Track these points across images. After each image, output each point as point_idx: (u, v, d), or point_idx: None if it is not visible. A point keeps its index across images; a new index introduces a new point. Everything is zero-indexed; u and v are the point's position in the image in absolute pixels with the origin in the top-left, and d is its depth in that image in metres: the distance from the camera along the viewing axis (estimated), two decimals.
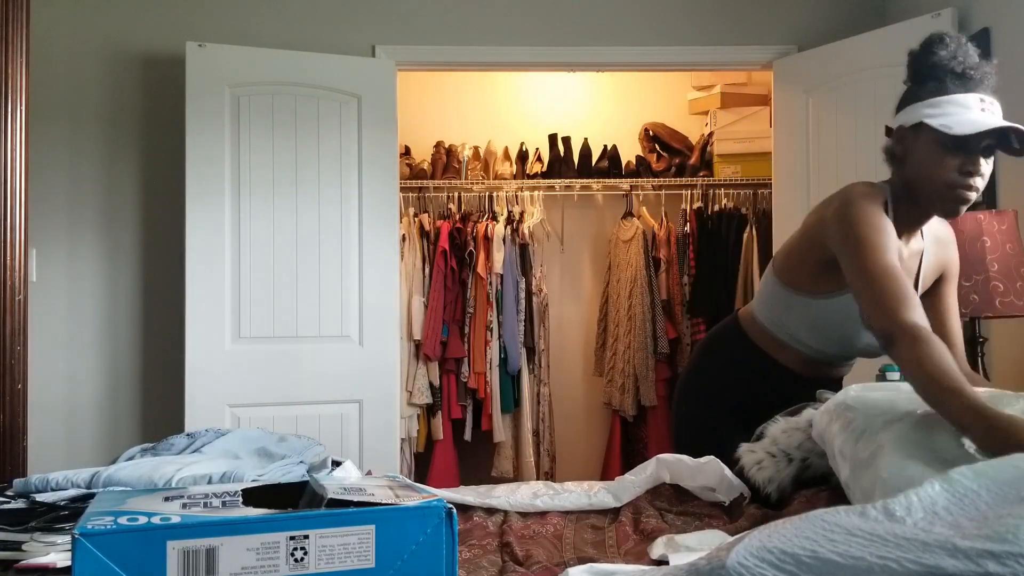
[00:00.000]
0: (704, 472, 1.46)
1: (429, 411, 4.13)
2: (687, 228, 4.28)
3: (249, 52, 3.33)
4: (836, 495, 1.31)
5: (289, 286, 3.32)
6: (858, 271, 1.51)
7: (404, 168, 4.21)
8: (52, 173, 3.35)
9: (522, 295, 4.21)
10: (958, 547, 0.66)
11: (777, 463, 1.44)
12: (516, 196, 4.39)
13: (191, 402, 3.18)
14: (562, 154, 4.44)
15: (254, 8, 3.49)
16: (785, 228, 3.29)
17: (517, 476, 4.11)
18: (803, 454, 1.45)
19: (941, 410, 1.27)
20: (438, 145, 4.43)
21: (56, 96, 3.36)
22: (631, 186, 4.42)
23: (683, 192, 4.35)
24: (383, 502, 0.86)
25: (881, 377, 1.89)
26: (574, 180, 4.39)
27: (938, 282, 1.80)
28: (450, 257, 4.14)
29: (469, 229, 4.21)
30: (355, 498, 0.86)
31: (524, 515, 1.40)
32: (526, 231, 4.28)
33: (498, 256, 4.14)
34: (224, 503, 0.90)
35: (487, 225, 4.21)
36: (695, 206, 4.30)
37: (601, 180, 4.42)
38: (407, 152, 4.40)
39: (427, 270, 4.15)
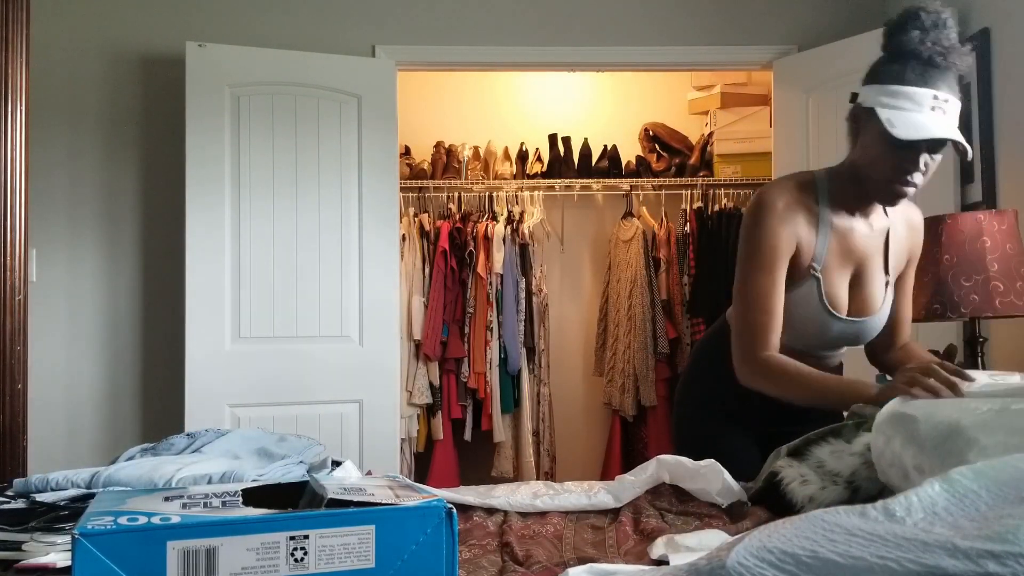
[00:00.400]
0: (704, 475, 1.46)
1: (429, 411, 4.13)
2: (687, 228, 4.28)
3: (249, 52, 3.33)
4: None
5: (289, 286, 3.32)
6: (736, 290, 1.65)
7: (404, 168, 4.21)
8: (52, 173, 3.35)
9: (522, 295, 4.21)
10: (958, 547, 0.66)
11: (823, 483, 1.34)
12: (516, 196, 4.39)
13: (191, 402, 3.18)
14: (562, 154, 4.44)
15: (254, 8, 3.49)
16: None
17: (517, 476, 4.11)
18: (852, 478, 1.33)
19: (828, 402, 1.53)
20: (438, 145, 4.43)
21: (56, 96, 3.36)
22: (631, 186, 4.42)
23: (683, 192, 4.35)
24: (383, 502, 0.86)
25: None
26: (574, 180, 4.40)
27: (905, 266, 1.80)
28: (450, 257, 4.14)
29: (469, 229, 4.21)
30: (355, 498, 0.86)
31: (524, 515, 1.40)
32: (526, 231, 4.28)
33: (498, 256, 4.14)
34: (224, 503, 0.90)
35: (487, 225, 4.21)
36: (695, 206, 4.30)
37: (601, 180, 4.42)
38: (407, 152, 4.40)
39: (427, 270, 4.15)
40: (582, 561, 1.14)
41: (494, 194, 4.38)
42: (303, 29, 3.50)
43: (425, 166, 4.39)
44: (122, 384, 3.41)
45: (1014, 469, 0.83)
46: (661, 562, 1.12)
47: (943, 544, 0.67)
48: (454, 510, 0.86)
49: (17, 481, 1.25)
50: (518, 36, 3.59)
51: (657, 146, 4.48)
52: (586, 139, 4.46)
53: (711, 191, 4.32)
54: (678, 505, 1.43)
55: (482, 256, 4.15)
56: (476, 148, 4.44)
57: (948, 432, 1.10)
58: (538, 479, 3.74)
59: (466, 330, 4.13)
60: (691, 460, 1.50)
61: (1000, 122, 2.78)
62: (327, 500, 0.87)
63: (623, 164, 4.47)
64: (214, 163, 3.26)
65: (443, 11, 3.57)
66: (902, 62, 1.53)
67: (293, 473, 1.23)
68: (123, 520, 0.80)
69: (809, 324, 1.67)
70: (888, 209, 1.71)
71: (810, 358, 1.74)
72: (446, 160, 4.39)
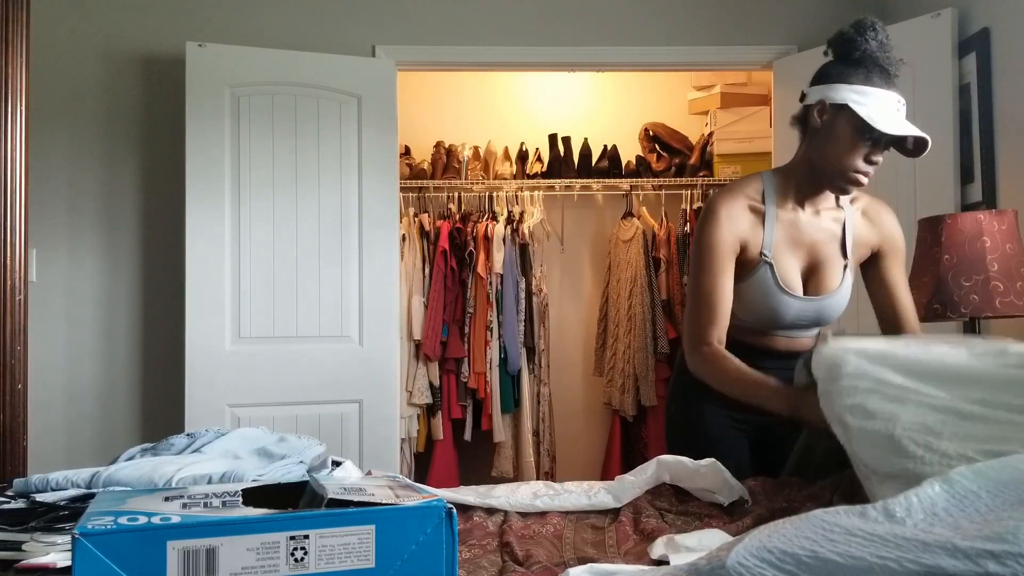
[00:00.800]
0: (704, 475, 1.46)
1: (429, 411, 4.13)
2: (687, 228, 4.27)
3: (249, 52, 3.33)
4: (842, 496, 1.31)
5: (289, 286, 3.32)
6: (690, 288, 1.84)
7: (404, 168, 4.21)
8: (52, 173, 3.35)
9: (522, 295, 4.21)
10: (958, 547, 0.67)
11: None
12: (516, 196, 4.39)
13: (191, 402, 3.18)
14: (562, 154, 4.43)
15: (254, 8, 3.49)
16: None
17: (517, 476, 4.11)
18: None
19: (754, 400, 1.66)
20: (438, 145, 4.43)
21: (56, 96, 3.36)
22: (631, 186, 4.42)
23: (683, 192, 4.36)
24: (383, 502, 0.86)
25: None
26: (574, 180, 4.40)
27: (878, 258, 1.89)
28: (450, 257, 4.14)
29: (469, 229, 4.21)
30: (355, 498, 0.86)
31: (524, 515, 1.40)
32: (526, 231, 4.28)
33: (498, 256, 4.14)
34: (224, 503, 0.90)
35: (487, 225, 4.21)
36: (695, 206, 4.30)
37: (601, 180, 4.42)
38: (407, 152, 4.40)
39: (427, 270, 4.15)
40: (582, 561, 1.14)
41: (494, 194, 4.38)
42: (303, 29, 3.49)
43: (425, 166, 4.39)
44: (122, 384, 3.41)
45: (1014, 470, 0.83)
46: (661, 562, 1.12)
47: (943, 544, 0.67)
48: (454, 510, 0.86)
49: (17, 481, 1.25)
50: (518, 36, 3.59)
51: (657, 146, 4.48)
52: (586, 139, 4.46)
53: (711, 191, 4.31)
54: (678, 505, 1.44)
55: (482, 256, 4.15)
56: (476, 148, 4.44)
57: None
58: (538, 479, 3.74)
59: (466, 330, 4.13)
60: (691, 460, 1.50)
61: (1000, 122, 2.78)
62: (327, 500, 0.87)
63: (623, 164, 4.46)
64: (214, 163, 3.26)
65: (443, 11, 3.57)
66: (867, 67, 1.71)
67: (293, 473, 1.23)
68: (123, 520, 0.80)
69: (767, 306, 1.80)
70: (844, 202, 1.86)
71: (780, 339, 1.85)
72: (446, 160, 4.39)
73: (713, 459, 1.49)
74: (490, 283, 4.15)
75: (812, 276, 1.83)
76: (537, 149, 4.50)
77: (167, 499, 0.91)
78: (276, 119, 3.33)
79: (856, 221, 1.87)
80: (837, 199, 1.86)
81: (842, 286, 1.85)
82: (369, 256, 3.41)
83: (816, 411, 1.40)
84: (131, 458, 1.32)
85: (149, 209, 3.44)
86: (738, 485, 1.44)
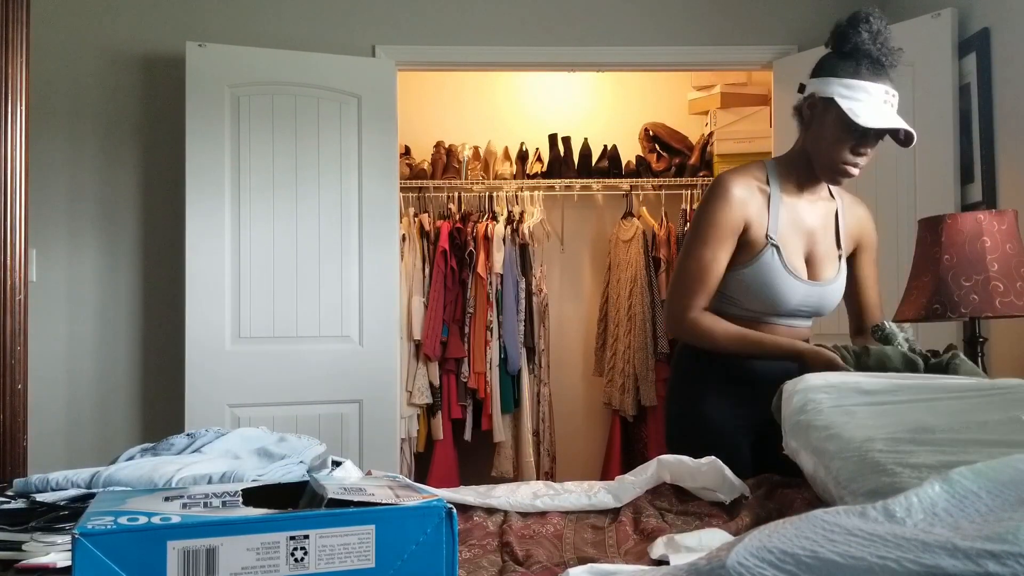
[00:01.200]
0: (705, 473, 1.46)
1: (429, 411, 4.13)
2: (687, 228, 4.27)
3: (249, 52, 3.33)
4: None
5: (289, 286, 3.32)
6: (683, 251, 1.86)
7: (404, 168, 4.21)
8: (52, 173, 3.35)
9: (522, 295, 4.21)
10: (958, 547, 0.67)
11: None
12: (516, 196, 4.40)
13: (191, 402, 3.18)
14: (562, 154, 4.43)
15: (254, 8, 3.49)
16: None
17: (517, 476, 4.11)
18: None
19: (760, 355, 1.76)
20: (438, 145, 4.43)
21: (56, 96, 3.36)
22: (631, 186, 4.42)
23: (683, 192, 4.36)
24: (383, 502, 0.86)
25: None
26: (574, 180, 4.40)
27: (857, 253, 1.98)
28: (450, 257, 4.14)
29: (469, 229, 4.21)
30: (355, 498, 0.86)
31: (524, 515, 1.40)
32: (526, 231, 4.28)
33: (498, 256, 4.14)
34: (224, 503, 0.90)
35: (487, 225, 4.21)
36: (695, 206, 4.29)
37: (601, 180, 4.42)
38: (407, 152, 4.40)
39: (427, 270, 4.15)
40: (582, 561, 1.14)
41: (494, 194, 4.38)
42: (303, 29, 3.49)
43: (425, 166, 4.39)
44: (122, 384, 3.41)
45: (1014, 470, 0.83)
46: (661, 562, 1.12)
47: (943, 544, 0.67)
48: (454, 510, 0.86)
49: (17, 481, 1.25)
50: (518, 36, 3.59)
51: (657, 146, 4.48)
52: (586, 139, 4.46)
53: None
54: (678, 505, 1.44)
55: (482, 256, 4.15)
56: (476, 148, 4.44)
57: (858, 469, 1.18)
58: (538, 479, 3.74)
59: (466, 330, 4.13)
60: (691, 459, 1.50)
61: (1000, 122, 2.78)
62: (327, 500, 0.87)
63: (623, 164, 4.46)
64: (214, 163, 3.26)
65: (443, 11, 3.57)
66: (856, 60, 1.73)
67: (293, 473, 1.23)
68: (123, 520, 0.80)
69: (773, 289, 1.81)
70: (835, 193, 1.93)
71: (780, 328, 1.86)
72: (446, 160, 4.39)
73: (713, 457, 1.49)
74: (490, 283, 4.15)
75: (810, 263, 1.87)
76: (537, 149, 4.50)
77: (167, 499, 0.91)
78: (276, 119, 3.33)
79: (846, 214, 1.93)
80: (830, 190, 1.92)
81: (839, 275, 1.90)
82: (369, 256, 3.41)
83: (823, 354, 1.61)
84: (131, 458, 1.32)
85: (149, 209, 3.44)
86: (739, 483, 1.44)
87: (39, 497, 1.19)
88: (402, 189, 3.99)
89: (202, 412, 3.15)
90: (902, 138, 1.76)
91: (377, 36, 3.54)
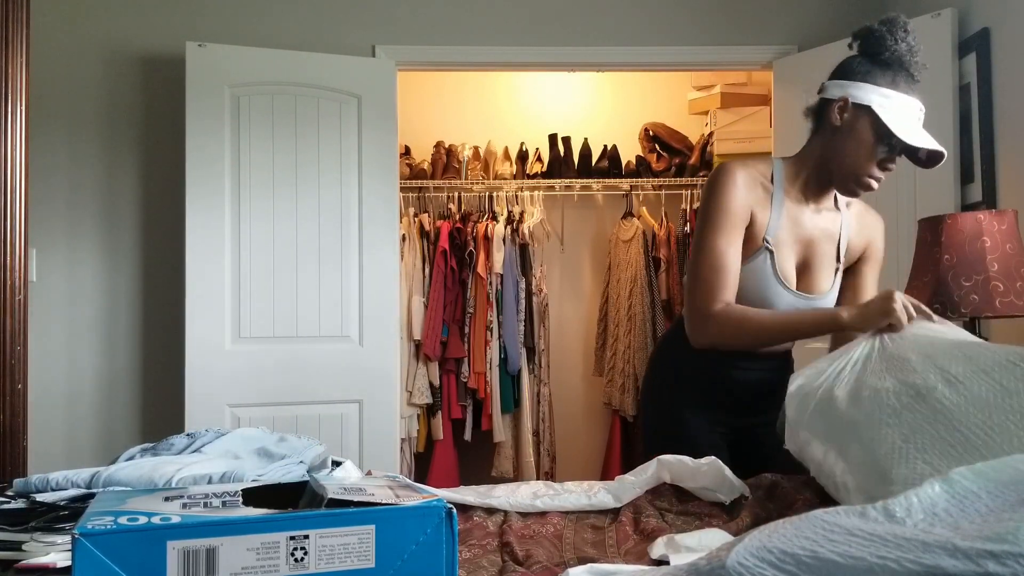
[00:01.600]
0: (705, 473, 1.46)
1: (429, 411, 4.13)
2: (687, 228, 4.28)
3: (249, 52, 3.33)
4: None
5: (289, 286, 3.32)
6: (695, 246, 1.71)
7: (404, 168, 4.21)
8: (52, 173, 3.35)
9: (522, 295, 4.21)
10: (958, 547, 0.67)
11: None
12: (516, 196, 4.40)
13: (191, 402, 3.18)
14: (562, 154, 4.44)
15: (254, 8, 3.49)
16: None
17: (517, 476, 4.11)
18: None
19: (802, 334, 1.65)
20: (438, 145, 4.43)
21: (56, 96, 3.36)
22: (631, 186, 4.42)
23: (683, 192, 4.36)
24: (383, 502, 0.86)
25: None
26: (574, 180, 4.40)
27: (859, 263, 1.87)
28: (450, 257, 4.14)
29: (469, 229, 4.21)
30: (355, 498, 0.86)
31: (524, 515, 1.40)
32: (526, 231, 4.28)
33: (498, 256, 4.14)
34: (224, 503, 0.90)
35: (487, 225, 4.21)
36: (695, 206, 4.30)
37: (601, 180, 4.42)
38: (407, 152, 4.40)
39: (427, 270, 4.15)
40: (582, 561, 1.14)
41: (494, 194, 4.38)
42: (303, 29, 3.49)
43: (425, 166, 4.39)
44: (122, 384, 3.41)
45: (1014, 471, 0.83)
46: (661, 562, 1.12)
47: (943, 544, 0.67)
48: (454, 510, 0.86)
49: (17, 481, 1.25)
50: (518, 36, 3.59)
51: (657, 146, 4.48)
52: (586, 139, 4.46)
53: None
54: (678, 505, 1.44)
55: (482, 256, 4.15)
56: (476, 148, 4.44)
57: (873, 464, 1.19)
58: (538, 479, 3.74)
59: (466, 330, 4.13)
60: (691, 459, 1.50)
61: (1000, 122, 2.78)
62: (327, 500, 0.87)
63: (623, 164, 4.47)
64: (214, 163, 3.26)
65: (443, 11, 3.57)
66: (894, 69, 1.63)
67: (293, 473, 1.23)
68: (123, 520, 0.80)
69: (760, 296, 1.72)
70: (841, 204, 1.81)
71: None
72: (446, 160, 4.39)
73: (713, 457, 1.49)
74: (490, 283, 4.15)
75: (804, 274, 1.78)
76: (537, 149, 4.50)
77: (167, 499, 0.91)
78: (276, 119, 3.33)
79: (851, 224, 1.83)
80: (836, 200, 1.80)
81: (833, 289, 1.81)
82: (369, 256, 3.41)
83: (869, 315, 1.50)
84: (131, 458, 1.32)
85: (149, 209, 3.43)
86: (739, 483, 1.44)
87: (39, 497, 1.19)
88: (402, 189, 3.99)
89: (202, 412, 3.15)
90: (922, 158, 1.67)
91: (377, 36, 3.54)
